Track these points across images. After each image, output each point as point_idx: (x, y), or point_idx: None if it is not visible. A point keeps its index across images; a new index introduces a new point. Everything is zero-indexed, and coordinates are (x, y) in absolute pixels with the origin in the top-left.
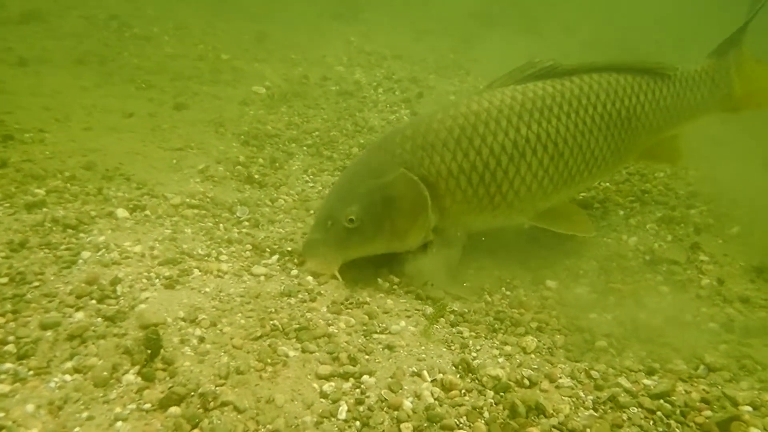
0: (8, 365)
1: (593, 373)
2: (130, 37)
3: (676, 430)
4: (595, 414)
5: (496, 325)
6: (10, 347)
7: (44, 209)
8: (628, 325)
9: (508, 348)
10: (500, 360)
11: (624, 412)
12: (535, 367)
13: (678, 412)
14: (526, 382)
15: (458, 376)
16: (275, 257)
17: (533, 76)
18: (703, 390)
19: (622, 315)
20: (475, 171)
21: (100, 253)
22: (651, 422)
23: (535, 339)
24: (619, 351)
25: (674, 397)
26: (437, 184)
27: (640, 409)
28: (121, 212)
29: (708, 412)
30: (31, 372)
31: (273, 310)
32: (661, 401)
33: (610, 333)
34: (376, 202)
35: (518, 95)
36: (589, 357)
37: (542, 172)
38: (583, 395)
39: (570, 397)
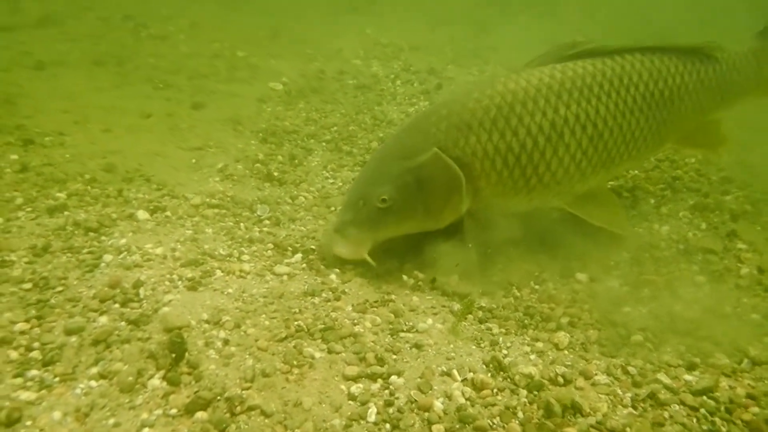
0: (34, 372)
1: (630, 369)
2: (146, 37)
3: (722, 428)
4: (635, 412)
5: (526, 321)
6: (36, 354)
7: (66, 213)
8: (664, 318)
9: (539, 344)
10: (532, 357)
11: (665, 409)
12: (569, 363)
13: (723, 408)
14: (561, 379)
15: (489, 374)
16: (298, 256)
17: (574, 55)
18: (749, 385)
19: (658, 307)
20: (511, 152)
21: (121, 255)
22: (694, 420)
23: (568, 335)
24: (657, 345)
25: (718, 393)
26: (472, 165)
27: (681, 407)
28: (142, 214)
29: (755, 409)
30: (57, 378)
31: (297, 310)
32: (704, 398)
33: (645, 327)
34: (409, 183)
35: (557, 74)
36: (625, 352)
37: (581, 154)
38: (621, 392)
39: (607, 394)
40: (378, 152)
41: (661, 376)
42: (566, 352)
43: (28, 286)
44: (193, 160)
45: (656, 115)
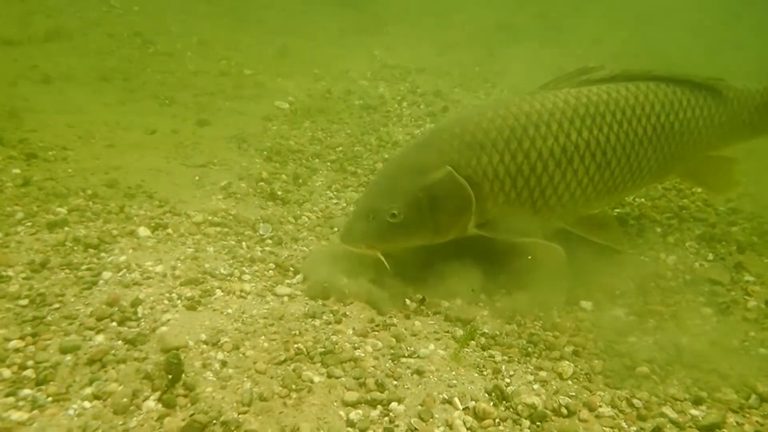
0: (27, 391)
1: (635, 401)
2: (154, 54)
3: None
4: None
5: (529, 349)
6: (29, 372)
7: (66, 228)
8: (670, 349)
9: (543, 373)
10: (535, 387)
11: None
12: (573, 394)
13: None
14: (564, 410)
15: (492, 403)
16: (299, 276)
17: (588, 81)
18: (757, 422)
19: (664, 339)
20: (521, 174)
21: (121, 273)
22: None
23: (572, 364)
24: (663, 378)
25: (725, 430)
26: (482, 186)
27: None
28: (143, 231)
29: None
30: (50, 398)
31: (297, 332)
32: None
33: (651, 358)
34: (420, 201)
35: (571, 99)
36: (630, 384)
37: (587, 180)
38: (626, 426)
39: (611, 427)
40: (389, 165)
41: (667, 410)
42: (570, 382)
43: (25, 302)
44: (197, 177)
45: (664, 147)
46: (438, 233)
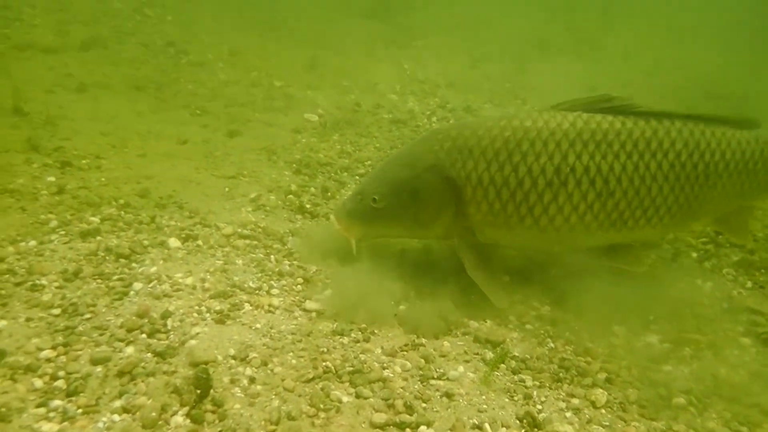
0: (57, 402)
1: None
2: (186, 64)
3: None
4: None
5: (560, 374)
6: (60, 383)
7: (98, 237)
8: (707, 380)
9: (575, 401)
10: (568, 415)
11: None
12: (607, 424)
13: None
14: None
15: (523, 430)
16: (328, 292)
17: (605, 109)
18: None
19: (701, 369)
20: (506, 187)
21: (151, 284)
22: None
23: (605, 392)
24: (701, 410)
25: None
26: (464, 189)
27: None
28: (173, 242)
29: None
30: (80, 410)
31: (325, 349)
32: None
33: (688, 389)
34: (401, 191)
35: (579, 122)
36: (667, 415)
37: (585, 207)
38: None
39: None
40: (390, 156)
41: None
42: (603, 411)
43: (57, 311)
44: (227, 189)
45: (685, 187)
46: (416, 226)
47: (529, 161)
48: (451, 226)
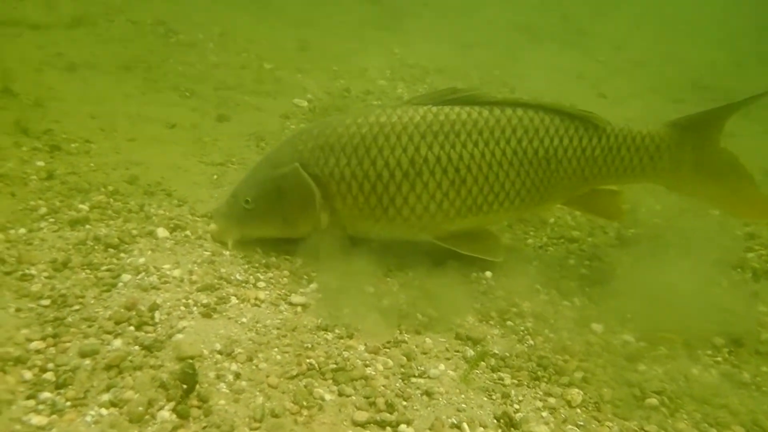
0: (47, 394)
1: None
2: (175, 44)
3: None
4: None
5: (538, 373)
6: (49, 375)
7: (87, 226)
8: (680, 381)
9: (551, 400)
10: (544, 414)
11: None
12: (581, 423)
13: None
14: None
15: (500, 430)
16: (313, 285)
17: (454, 100)
18: None
19: (674, 369)
20: (367, 180)
21: (139, 276)
22: None
23: (581, 391)
24: (672, 411)
25: None
26: (328, 185)
27: None
28: (162, 231)
29: None
30: (69, 403)
31: (309, 345)
32: None
33: (661, 389)
34: (269, 191)
35: (429, 115)
36: (639, 415)
37: (441, 195)
38: None
39: None
40: (261, 158)
41: None
42: (579, 410)
43: (47, 302)
44: (215, 176)
45: (529, 172)
46: (287, 224)
47: (385, 155)
48: (321, 222)
